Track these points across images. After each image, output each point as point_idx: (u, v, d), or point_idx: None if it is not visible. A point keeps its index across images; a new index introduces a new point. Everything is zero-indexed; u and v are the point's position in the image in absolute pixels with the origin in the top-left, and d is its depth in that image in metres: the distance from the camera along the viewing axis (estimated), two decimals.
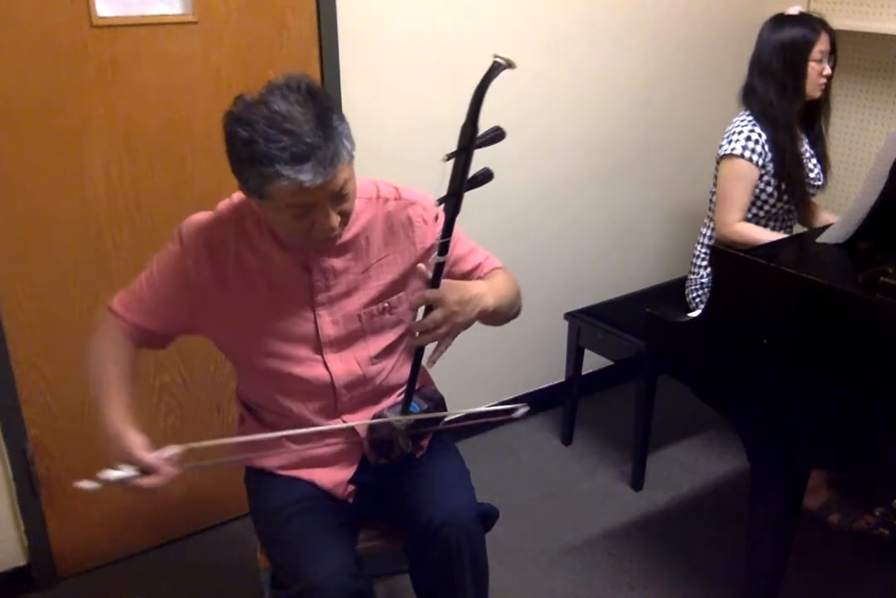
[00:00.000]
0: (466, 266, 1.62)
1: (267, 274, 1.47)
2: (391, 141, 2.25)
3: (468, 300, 1.38)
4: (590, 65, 2.60)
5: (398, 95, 2.26)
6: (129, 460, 1.29)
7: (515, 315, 1.61)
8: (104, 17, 1.83)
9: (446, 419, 1.59)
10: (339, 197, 1.33)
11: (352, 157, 1.33)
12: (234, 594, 2.13)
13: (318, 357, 1.52)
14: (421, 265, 1.41)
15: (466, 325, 1.40)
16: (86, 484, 1.24)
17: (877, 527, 2.27)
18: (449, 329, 1.37)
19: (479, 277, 1.61)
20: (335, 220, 1.34)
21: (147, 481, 1.28)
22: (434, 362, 1.42)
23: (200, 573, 2.22)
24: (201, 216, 1.48)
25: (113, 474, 1.25)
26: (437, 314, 1.34)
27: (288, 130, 1.23)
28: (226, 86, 1.99)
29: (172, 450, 1.31)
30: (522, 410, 1.49)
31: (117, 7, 1.84)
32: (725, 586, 2.13)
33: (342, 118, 1.31)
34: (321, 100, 1.28)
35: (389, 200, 1.53)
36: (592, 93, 2.64)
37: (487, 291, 1.44)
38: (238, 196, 1.47)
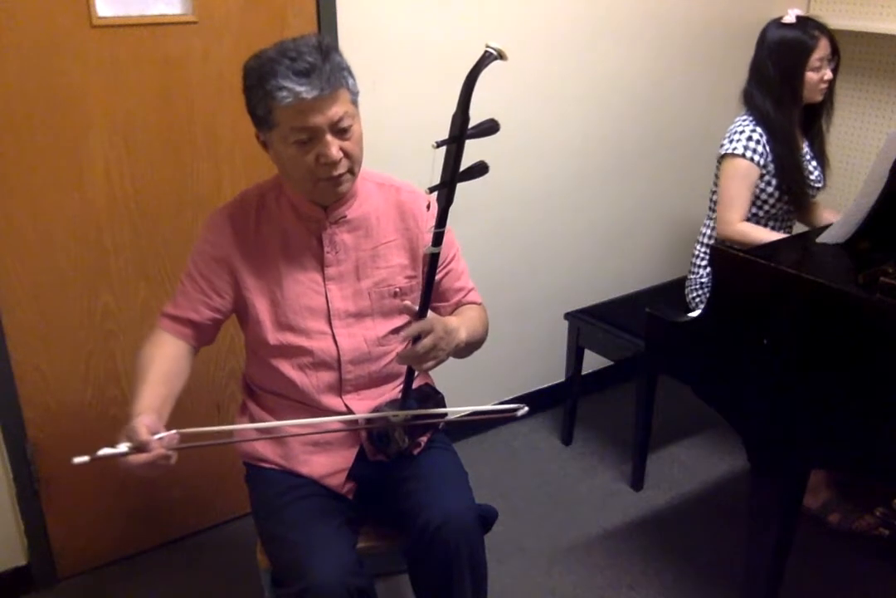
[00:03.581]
0: (456, 283, 1.68)
1: (283, 243, 1.55)
2: (391, 141, 2.25)
3: (451, 331, 1.44)
4: (591, 66, 2.60)
5: (398, 95, 2.26)
6: (127, 435, 1.29)
7: (477, 348, 1.65)
8: (104, 17, 1.83)
9: (450, 415, 1.62)
10: (339, 130, 1.42)
11: (353, 94, 1.45)
12: (234, 594, 2.13)
13: (328, 330, 1.57)
14: (407, 302, 1.47)
15: (448, 354, 1.45)
16: (79, 459, 1.24)
17: (877, 527, 2.27)
18: (435, 355, 1.41)
19: (460, 302, 1.68)
20: (337, 150, 1.42)
21: (136, 458, 1.27)
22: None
23: (200, 573, 2.22)
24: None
25: (105, 449, 1.26)
26: (428, 342, 1.39)
27: (292, 56, 1.37)
28: (226, 86, 1.99)
29: (169, 433, 1.32)
30: (523, 410, 1.50)
31: (117, 7, 1.84)
32: (725, 586, 2.13)
33: (344, 59, 1.43)
34: (326, 43, 1.42)
35: (402, 191, 1.62)
36: (593, 93, 2.64)
37: (461, 326, 1.50)
38: (262, 180, 1.61)
